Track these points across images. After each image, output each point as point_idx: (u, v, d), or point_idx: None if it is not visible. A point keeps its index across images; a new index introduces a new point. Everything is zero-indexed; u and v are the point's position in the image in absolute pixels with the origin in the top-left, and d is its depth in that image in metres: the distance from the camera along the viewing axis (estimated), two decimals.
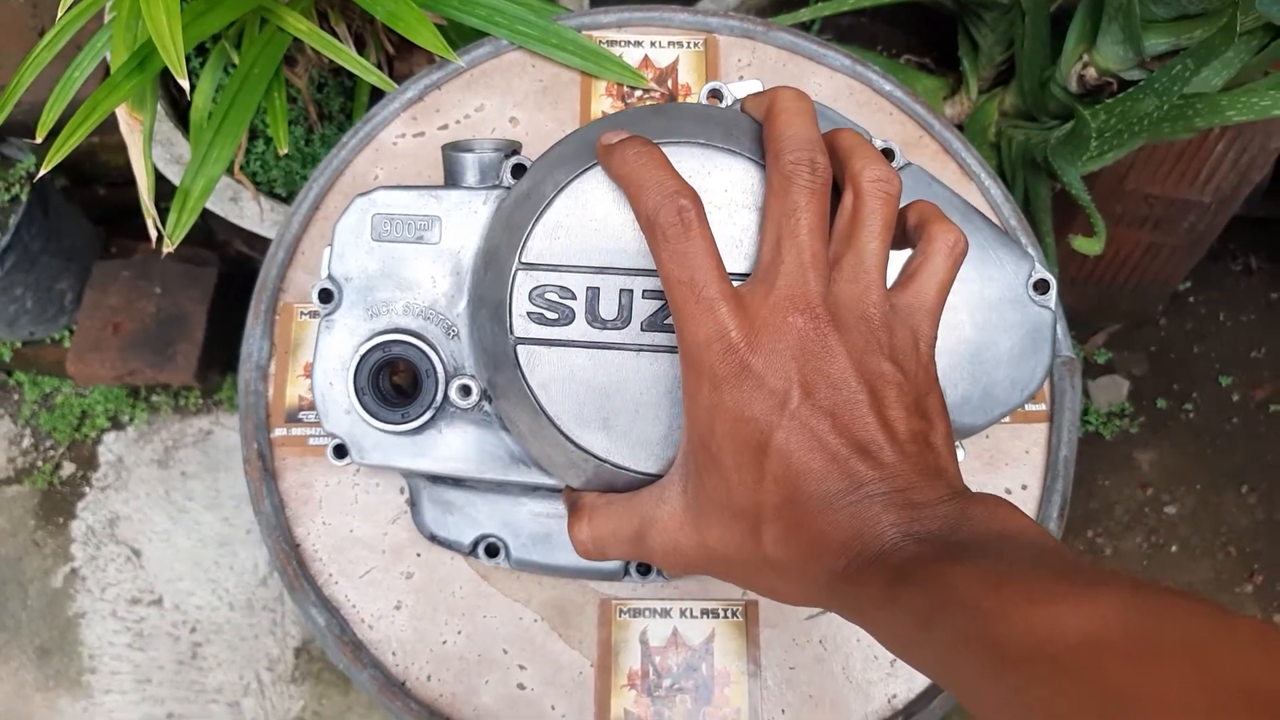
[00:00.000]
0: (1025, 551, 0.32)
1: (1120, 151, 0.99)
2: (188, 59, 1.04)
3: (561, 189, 0.41)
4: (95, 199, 1.56)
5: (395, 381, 0.50)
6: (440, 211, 0.48)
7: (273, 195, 1.01)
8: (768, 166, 0.39)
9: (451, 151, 0.49)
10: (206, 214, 1.55)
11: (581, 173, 0.41)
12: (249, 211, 0.97)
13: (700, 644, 0.56)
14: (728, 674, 0.55)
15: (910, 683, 0.55)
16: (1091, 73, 1.05)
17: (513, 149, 0.49)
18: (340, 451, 0.49)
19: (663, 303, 0.40)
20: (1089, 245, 0.77)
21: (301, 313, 0.62)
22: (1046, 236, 1.05)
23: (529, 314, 0.41)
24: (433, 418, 0.48)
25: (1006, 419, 0.59)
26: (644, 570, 0.51)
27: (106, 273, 1.47)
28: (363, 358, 0.48)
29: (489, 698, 0.55)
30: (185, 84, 0.57)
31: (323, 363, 0.49)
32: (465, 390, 0.47)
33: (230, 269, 1.51)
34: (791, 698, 0.55)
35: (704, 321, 0.35)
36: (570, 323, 0.41)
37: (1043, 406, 0.60)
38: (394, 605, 0.56)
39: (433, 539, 0.52)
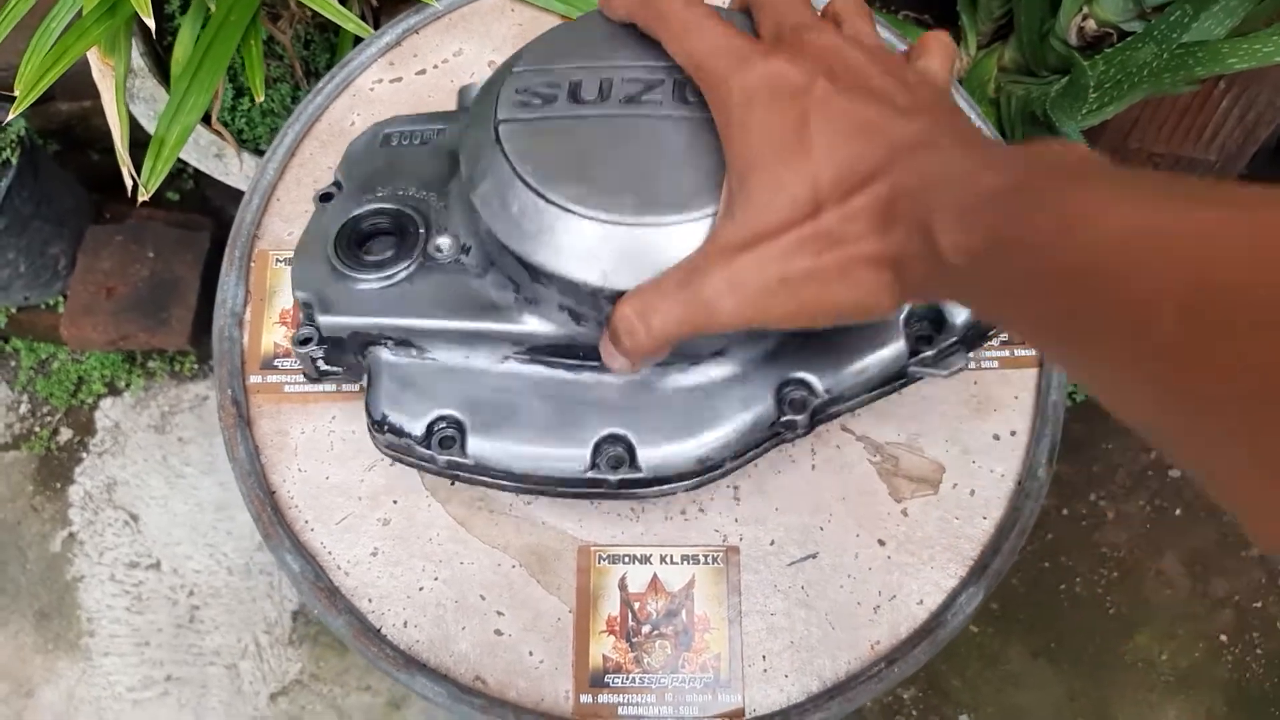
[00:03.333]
0: (1145, 176, 0.27)
1: (1120, 104, 0.97)
2: (170, 15, 1.03)
3: (554, 30, 0.45)
4: (88, 164, 1.55)
5: (375, 258, 0.49)
6: (445, 123, 0.52)
7: (258, 152, 1.00)
8: None
9: (464, 90, 0.55)
10: (199, 179, 1.54)
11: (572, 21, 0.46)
12: (233, 168, 0.96)
13: (680, 590, 0.55)
14: (708, 620, 0.54)
15: (894, 629, 0.54)
16: (1091, 24, 1.03)
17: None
18: (306, 315, 0.47)
19: (641, 83, 0.42)
20: None
21: (277, 260, 0.61)
22: None
23: (512, 104, 0.42)
24: (408, 272, 0.47)
25: (995, 364, 0.58)
26: (615, 464, 0.47)
27: (99, 237, 1.46)
28: (351, 219, 0.48)
29: (466, 644, 0.54)
30: (151, 23, 0.55)
31: (309, 236, 0.49)
32: (444, 245, 0.47)
33: (224, 233, 1.50)
34: (772, 644, 0.54)
35: (719, 40, 0.37)
36: (552, 103, 0.42)
37: (1032, 351, 0.58)
38: (370, 552, 0.56)
39: (383, 423, 0.48)
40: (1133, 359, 0.23)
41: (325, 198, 0.51)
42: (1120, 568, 1.43)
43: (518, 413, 0.47)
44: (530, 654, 0.54)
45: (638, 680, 0.54)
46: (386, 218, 0.49)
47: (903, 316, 0.47)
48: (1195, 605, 1.41)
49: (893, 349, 0.47)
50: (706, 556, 0.55)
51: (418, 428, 0.47)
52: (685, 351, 0.47)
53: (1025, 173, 0.29)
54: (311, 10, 0.85)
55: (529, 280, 0.44)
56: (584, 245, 0.40)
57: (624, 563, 0.55)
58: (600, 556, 0.55)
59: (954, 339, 0.47)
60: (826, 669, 0.53)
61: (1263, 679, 1.37)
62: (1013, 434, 0.57)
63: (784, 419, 0.47)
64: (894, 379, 0.48)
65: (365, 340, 0.48)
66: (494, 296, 0.46)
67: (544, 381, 0.48)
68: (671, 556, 0.55)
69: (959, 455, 0.56)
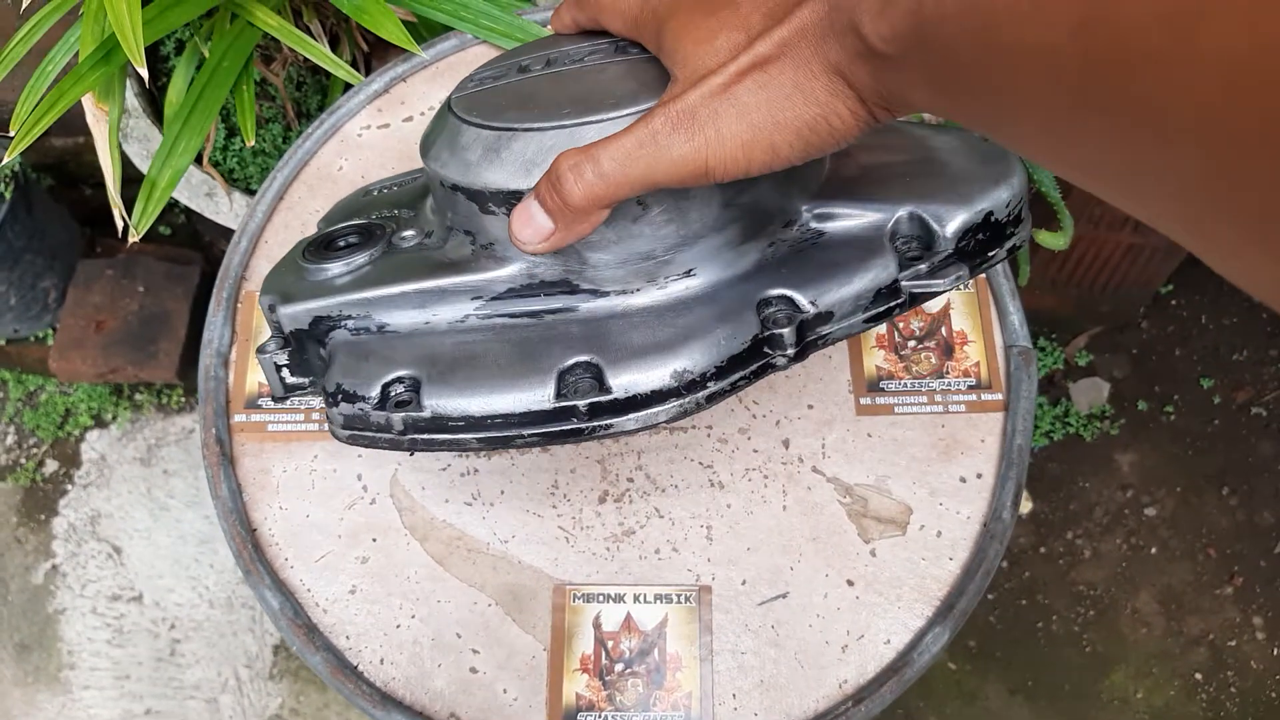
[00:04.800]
0: None
1: None
2: (165, 56, 1.05)
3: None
4: (81, 199, 1.57)
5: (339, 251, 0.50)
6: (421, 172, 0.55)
7: (249, 192, 1.02)
8: None
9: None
10: (190, 214, 1.56)
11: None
12: (224, 207, 0.97)
13: (653, 628, 0.56)
14: (679, 658, 0.55)
15: (861, 668, 0.55)
16: None
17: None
18: (272, 320, 0.48)
19: (588, 50, 0.44)
20: (1053, 240, 0.77)
21: None
22: None
23: (464, 86, 0.46)
24: (371, 259, 0.48)
25: (962, 409, 0.60)
26: (582, 391, 0.42)
27: (90, 271, 1.47)
28: (323, 233, 0.51)
29: (441, 681, 0.55)
30: (144, 72, 0.57)
31: (281, 261, 0.51)
32: (408, 235, 0.49)
33: (214, 269, 1.52)
34: (743, 682, 0.55)
35: None
36: (500, 79, 0.45)
37: (999, 396, 0.60)
38: (349, 590, 0.57)
39: (337, 392, 0.44)
40: (1068, 113, 0.23)
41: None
42: (1096, 606, 1.44)
43: (476, 359, 0.44)
44: (504, 691, 0.55)
45: (610, 718, 0.55)
46: (355, 231, 0.50)
47: (887, 235, 0.45)
48: (1170, 644, 1.42)
49: (880, 262, 0.44)
50: (679, 595, 0.56)
51: (373, 390, 0.44)
52: (646, 271, 0.45)
53: None
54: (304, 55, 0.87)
55: (480, 214, 0.43)
56: (529, 156, 0.40)
57: (599, 601, 0.56)
58: (575, 595, 0.56)
59: (948, 252, 0.45)
60: (795, 707, 0.54)
61: (1237, 718, 1.38)
62: (979, 477, 0.59)
63: (768, 334, 0.43)
64: (888, 297, 0.45)
65: (327, 327, 0.47)
66: (452, 256, 0.46)
67: (504, 329, 0.46)
68: (645, 595, 0.56)
69: (926, 497, 0.58)
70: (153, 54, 1.03)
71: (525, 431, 0.43)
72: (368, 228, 0.50)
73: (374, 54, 0.97)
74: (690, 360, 0.42)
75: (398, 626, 0.56)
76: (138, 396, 1.57)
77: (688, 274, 0.45)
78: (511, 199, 0.41)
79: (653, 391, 0.42)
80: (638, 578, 0.57)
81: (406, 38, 0.66)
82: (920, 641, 0.55)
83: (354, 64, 0.94)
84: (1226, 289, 1.59)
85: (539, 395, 0.42)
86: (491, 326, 0.45)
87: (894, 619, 0.56)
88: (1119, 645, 1.42)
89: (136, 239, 0.66)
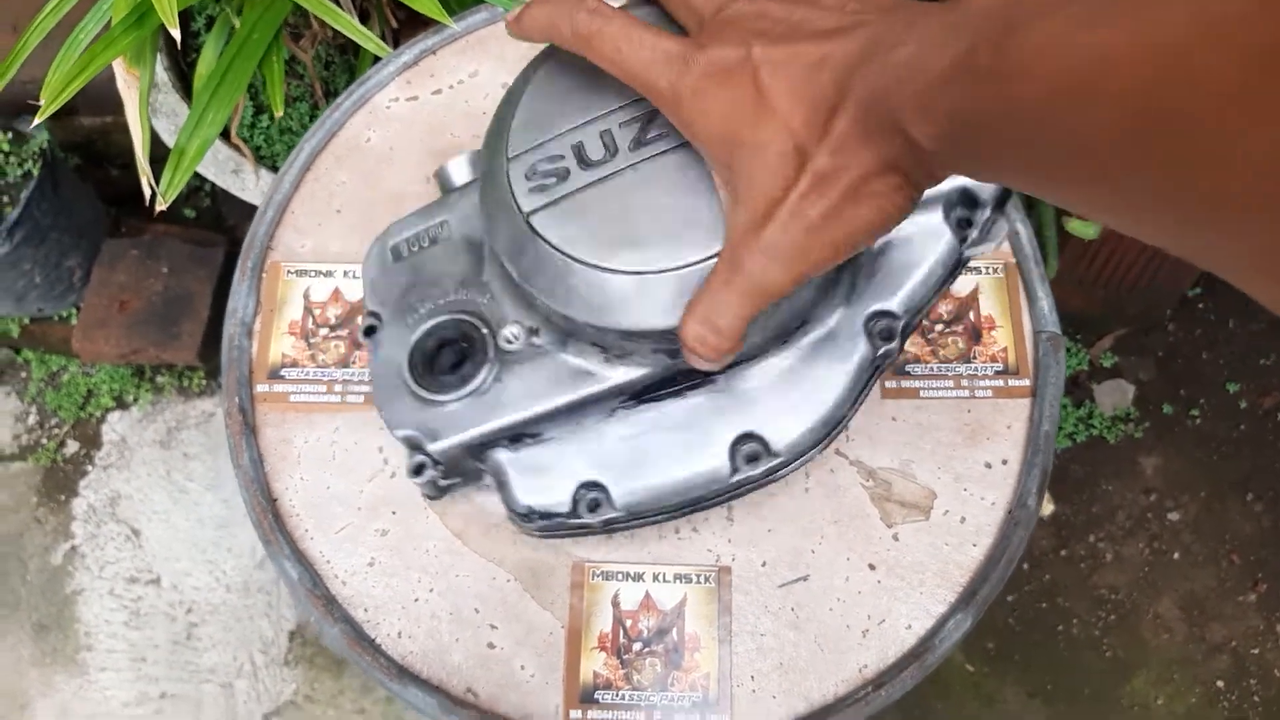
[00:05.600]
0: None
1: None
2: (195, 32, 1.05)
3: (518, 95, 0.45)
4: (107, 179, 1.58)
5: (445, 369, 0.50)
6: (445, 213, 0.52)
7: (274, 169, 1.02)
8: None
9: (441, 170, 0.54)
10: (214, 197, 1.56)
11: (526, 76, 0.45)
12: (249, 183, 0.97)
13: (672, 608, 0.55)
14: (698, 639, 0.55)
15: (882, 653, 0.54)
16: None
17: None
18: (413, 448, 0.48)
19: (640, 122, 0.42)
20: (1084, 229, 0.76)
21: (289, 271, 0.62)
22: (1047, 229, 1.04)
23: (530, 191, 0.43)
24: (491, 373, 0.48)
25: (989, 394, 0.59)
26: (752, 459, 0.48)
27: (115, 251, 1.48)
28: (415, 346, 0.49)
29: (459, 656, 0.55)
30: (176, 34, 0.57)
31: (380, 378, 0.49)
32: (513, 335, 0.48)
33: (239, 251, 1.52)
34: (762, 664, 0.54)
35: (650, 52, 0.38)
36: (567, 177, 0.42)
37: (1026, 382, 0.59)
38: (367, 562, 0.56)
39: (529, 514, 0.49)
40: (1103, 175, 0.24)
41: (369, 331, 0.51)
42: (1118, 610, 1.43)
43: (648, 453, 0.49)
44: (522, 668, 0.55)
45: (627, 697, 0.54)
46: (445, 330, 0.49)
47: (941, 212, 0.48)
48: (1193, 650, 1.40)
49: (945, 244, 0.48)
50: (699, 576, 0.56)
51: (563, 504, 0.49)
52: (772, 336, 0.48)
53: (965, 38, 0.29)
54: (333, 31, 0.87)
55: (617, 340, 0.45)
56: (665, 298, 0.41)
57: (617, 580, 0.56)
58: (594, 573, 0.56)
59: (989, 210, 0.48)
60: (814, 691, 0.54)
61: None
62: (1004, 463, 0.58)
63: (881, 351, 0.48)
64: (954, 270, 0.50)
65: (481, 449, 0.49)
66: (582, 364, 0.48)
67: (659, 417, 0.49)
68: (664, 575, 0.56)
69: (951, 482, 0.57)
70: (183, 29, 1.04)
71: (708, 502, 0.50)
72: (457, 328, 0.49)
73: (402, 32, 0.97)
74: (836, 408, 0.48)
75: (416, 600, 0.56)
76: (159, 379, 1.57)
77: (803, 325, 0.49)
78: (660, 336, 0.43)
79: (811, 444, 0.48)
80: (657, 557, 0.56)
81: (439, 9, 0.66)
82: (942, 628, 0.54)
83: (382, 38, 0.94)
84: None
85: (718, 474, 0.48)
86: (644, 416, 0.49)
87: (916, 604, 0.55)
88: (1140, 651, 1.41)
89: (164, 207, 0.66)
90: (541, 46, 0.46)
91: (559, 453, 0.49)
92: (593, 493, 0.48)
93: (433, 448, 0.48)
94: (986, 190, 0.47)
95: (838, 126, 0.35)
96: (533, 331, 0.48)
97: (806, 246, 0.37)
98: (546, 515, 0.49)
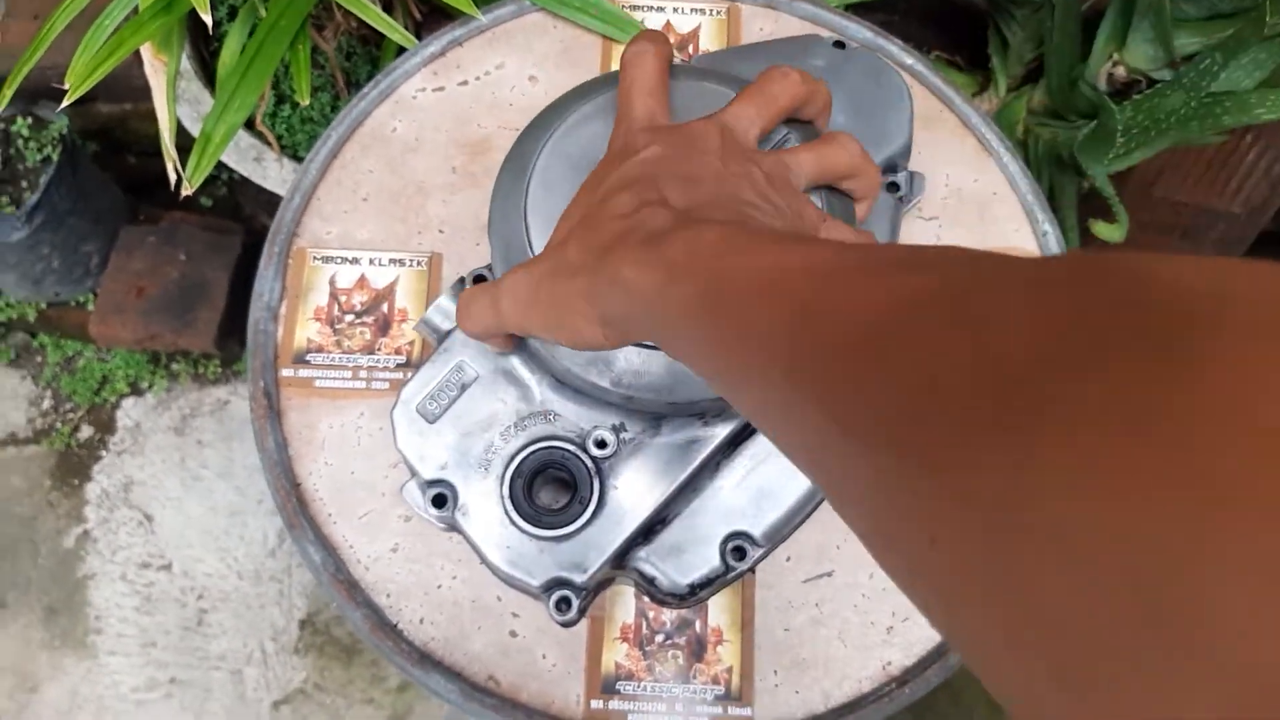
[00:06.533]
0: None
1: (1148, 150, 0.98)
2: (218, 21, 1.05)
3: (534, 159, 0.48)
4: (126, 167, 1.58)
5: (550, 502, 0.50)
6: (456, 356, 0.51)
7: (296, 158, 1.02)
8: None
9: (425, 320, 0.53)
10: (232, 187, 1.57)
11: (543, 141, 0.48)
12: (271, 171, 0.97)
13: None
14: (721, 632, 0.55)
15: (907, 650, 0.54)
16: (1121, 71, 1.04)
17: (477, 275, 0.53)
18: (560, 588, 0.47)
19: None
20: (1110, 231, 0.76)
21: (314, 258, 0.62)
22: (1070, 232, 1.04)
23: None
24: (601, 484, 0.48)
25: None
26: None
27: (133, 237, 1.48)
28: (510, 493, 0.48)
29: (480, 644, 0.55)
30: (208, 18, 0.57)
31: (486, 540, 0.48)
32: (601, 442, 0.48)
33: (255, 240, 1.52)
34: (784, 659, 0.54)
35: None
36: None
37: None
38: (391, 548, 0.56)
39: (693, 590, 0.50)
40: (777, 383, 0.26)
41: (440, 501, 0.49)
42: None
43: (765, 486, 0.51)
44: (544, 657, 0.55)
45: (649, 688, 0.54)
46: (530, 464, 0.49)
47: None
48: None
49: (885, 200, 0.56)
50: None
51: (716, 567, 0.50)
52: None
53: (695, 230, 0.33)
54: (356, 21, 0.87)
55: (713, 403, 0.47)
56: None
57: None
58: None
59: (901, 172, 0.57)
60: (837, 687, 0.54)
61: None
62: None
63: None
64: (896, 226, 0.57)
65: (620, 558, 0.49)
66: (685, 435, 0.49)
67: (756, 451, 0.51)
68: None
69: None
70: None
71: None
72: (548, 459, 0.48)
73: (425, 25, 0.97)
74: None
75: (439, 587, 0.56)
76: (174, 366, 1.58)
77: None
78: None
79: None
80: None
81: (467, 1, 0.66)
82: None
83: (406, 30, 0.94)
84: None
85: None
86: (743, 460, 0.51)
87: None
88: None
89: (189, 192, 0.66)
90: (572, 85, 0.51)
91: (688, 525, 0.50)
92: (735, 541, 0.49)
93: (583, 580, 0.47)
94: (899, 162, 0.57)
95: (579, 234, 0.38)
96: (619, 429, 0.48)
97: (530, 308, 0.40)
98: (707, 583, 0.49)
